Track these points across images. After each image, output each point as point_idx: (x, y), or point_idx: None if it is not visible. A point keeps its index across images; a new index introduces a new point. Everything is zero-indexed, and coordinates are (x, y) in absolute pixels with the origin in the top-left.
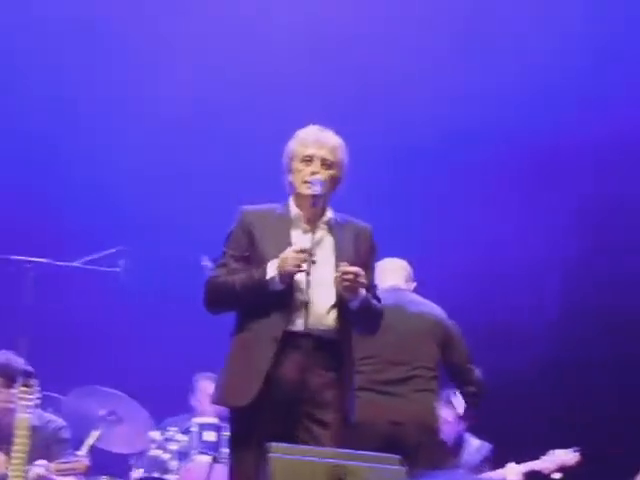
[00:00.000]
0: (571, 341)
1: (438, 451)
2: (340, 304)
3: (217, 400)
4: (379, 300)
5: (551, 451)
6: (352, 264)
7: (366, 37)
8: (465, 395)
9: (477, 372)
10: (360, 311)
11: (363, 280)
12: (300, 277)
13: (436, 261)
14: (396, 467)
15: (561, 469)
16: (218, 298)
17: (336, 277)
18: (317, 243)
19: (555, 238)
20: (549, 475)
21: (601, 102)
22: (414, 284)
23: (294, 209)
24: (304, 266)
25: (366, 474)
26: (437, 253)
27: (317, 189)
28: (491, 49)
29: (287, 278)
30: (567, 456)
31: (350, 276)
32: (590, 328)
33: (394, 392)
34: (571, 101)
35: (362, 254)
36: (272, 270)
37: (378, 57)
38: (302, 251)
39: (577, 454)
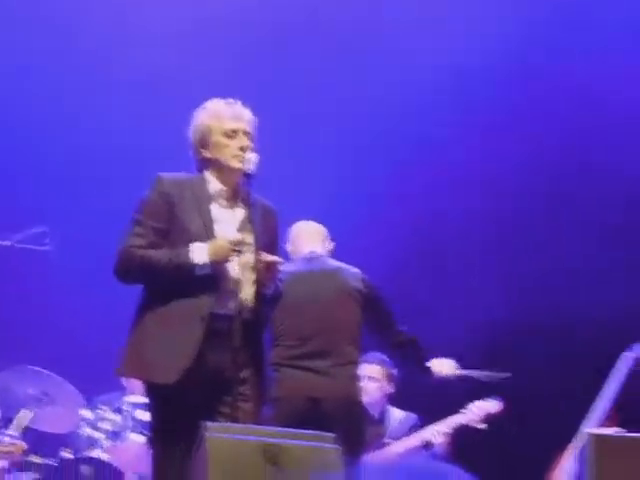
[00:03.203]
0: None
1: (361, 426)
2: (257, 287)
3: (140, 374)
4: (280, 281)
5: (471, 403)
6: (265, 246)
7: None
8: (402, 344)
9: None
10: (271, 297)
11: (280, 269)
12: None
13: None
14: (331, 446)
15: (485, 419)
16: (136, 271)
17: (257, 264)
18: (240, 222)
19: None
20: (475, 427)
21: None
22: (332, 244)
23: (215, 184)
24: (234, 255)
25: (301, 453)
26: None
27: (251, 168)
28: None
29: (218, 265)
30: (489, 405)
31: (271, 267)
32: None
33: (312, 367)
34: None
35: (270, 235)
36: (201, 255)
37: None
38: (237, 243)
39: (499, 402)
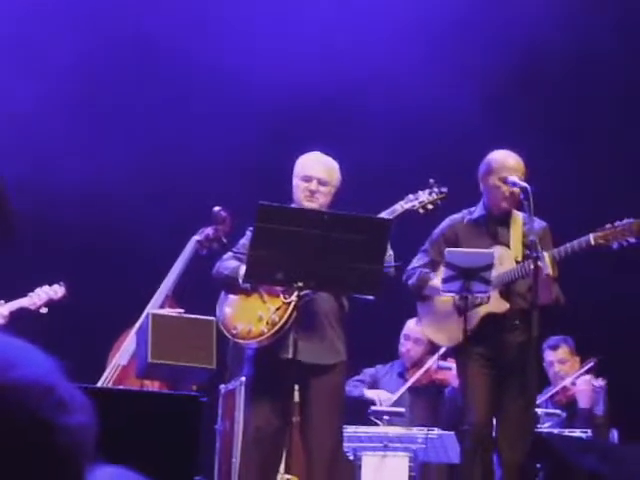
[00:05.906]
0: None
1: None
2: None
3: None
4: None
5: (38, 288)
6: None
7: None
8: None
9: None
10: None
11: None
12: None
13: None
14: None
15: (47, 304)
16: None
17: None
18: None
19: None
20: (37, 310)
21: None
22: None
23: None
24: None
25: None
26: None
27: None
28: None
29: None
30: (53, 291)
31: None
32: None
33: None
34: None
35: None
36: None
37: None
38: None
39: (63, 288)
